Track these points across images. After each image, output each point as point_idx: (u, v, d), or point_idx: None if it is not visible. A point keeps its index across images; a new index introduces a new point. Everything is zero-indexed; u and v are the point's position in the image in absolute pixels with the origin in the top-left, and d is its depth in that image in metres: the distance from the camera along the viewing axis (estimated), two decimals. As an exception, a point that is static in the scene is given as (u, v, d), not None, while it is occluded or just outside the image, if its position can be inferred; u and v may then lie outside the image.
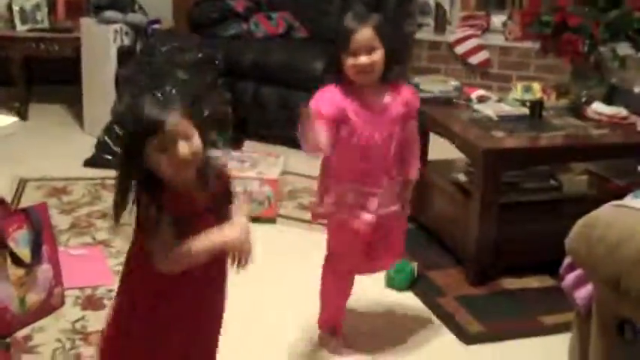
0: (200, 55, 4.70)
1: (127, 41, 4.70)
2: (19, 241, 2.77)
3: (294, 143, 4.55)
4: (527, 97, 3.54)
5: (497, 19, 5.79)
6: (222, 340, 2.10)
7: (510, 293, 3.20)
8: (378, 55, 2.39)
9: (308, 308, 2.82)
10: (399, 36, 2.50)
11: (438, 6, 5.86)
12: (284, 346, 2.76)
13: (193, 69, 4.55)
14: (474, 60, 5.66)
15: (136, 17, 4.82)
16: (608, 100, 3.50)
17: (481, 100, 3.57)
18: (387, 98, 2.48)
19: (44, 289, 2.86)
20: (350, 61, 2.39)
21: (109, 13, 4.74)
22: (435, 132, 3.51)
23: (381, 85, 2.47)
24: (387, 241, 2.63)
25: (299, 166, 4.25)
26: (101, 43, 4.71)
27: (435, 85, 3.76)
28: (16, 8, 5.11)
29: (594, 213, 2.11)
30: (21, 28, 5.14)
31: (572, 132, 3.30)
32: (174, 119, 1.79)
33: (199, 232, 1.85)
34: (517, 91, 3.59)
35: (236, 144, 4.61)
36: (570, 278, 2.22)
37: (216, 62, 4.69)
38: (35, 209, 2.90)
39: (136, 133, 1.82)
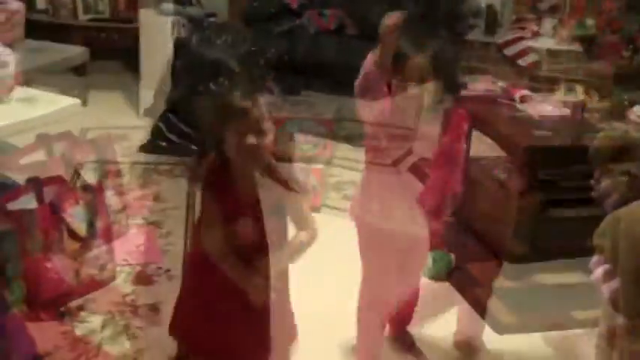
0: (253, 49, 4.84)
1: (183, 33, 4.86)
2: (76, 216, 2.92)
3: (339, 136, 4.71)
4: (570, 98, 3.60)
5: (548, 23, 5.82)
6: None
7: (545, 287, 3.27)
8: (429, 87, 2.32)
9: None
10: (454, 65, 2.44)
11: (490, 8, 5.92)
12: (324, 335, 2.81)
13: (246, 62, 4.69)
14: (523, 62, 5.70)
15: (193, 10, 4.98)
16: (650, 104, 3.55)
17: (524, 100, 3.64)
18: (432, 124, 2.41)
19: (97, 264, 3.01)
20: (400, 87, 2.34)
21: (168, 5, 4.91)
22: (478, 129, 3.59)
23: (429, 112, 2.39)
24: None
25: (346, 159, 4.37)
26: (159, 34, 4.87)
27: (482, 85, 3.84)
28: (79, -2, 5.32)
29: (621, 210, 2.19)
30: (83, 17, 5.33)
31: (612, 133, 3.35)
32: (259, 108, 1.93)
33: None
34: (560, 93, 3.65)
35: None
36: (599, 272, 2.28)
37: (269, 56, 4.82)
38: (92, 188, 3.06)
39: (221, 118, 1.93)
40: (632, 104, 3.52)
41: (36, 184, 2.96)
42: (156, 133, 4.61)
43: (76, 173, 2.88)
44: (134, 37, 5.14)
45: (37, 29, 5.20)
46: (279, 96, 2.08)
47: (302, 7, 5.55)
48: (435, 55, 2.32)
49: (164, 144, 4.52)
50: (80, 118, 4.15)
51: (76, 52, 5.05)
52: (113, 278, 3.10)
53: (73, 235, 2.89)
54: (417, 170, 2.44)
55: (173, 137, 4.51)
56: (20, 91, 2.60)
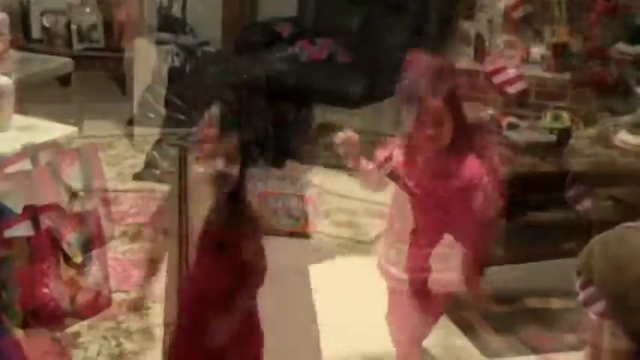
0: (245, 77, 4.92)
1: (177, 62, 4.94)
2: (72, 243, 2.96)
3: (332, 164, 4.77)
4: (556, 125, 3.66)
5: (536, 51, 5.91)
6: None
7: (532, 312, 3.33)
8: (447, 128, 2.32)
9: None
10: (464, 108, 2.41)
11: (478, 36, 6.01)
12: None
13: (239, 90, 4.76)
14: (512, 90, 5.78)
15: (187, 39, 5.06)
16: (634, 130, 3.62)
17: (511, 126, 3.71)
18: (446, 168, 2.37)
19: (93, 290, 3.05)
20: (416, 128, 2.33)
21: (162, 35, 5.00)
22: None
23: (445, 154, 2.36)
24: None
25: (336, 186, 4.44)
26: (153, 63, 4.95)
27: (471, 112, 3.91)
28: (73, 27, 5.37)
29: (607, 233, 2.23)
30: (77, 47, 5.40)
31: (598, 159, 3.43)
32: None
33: None
34: (547, 120, 3.72)
35: (277, 163, 4.80)
36: (585, 294, 2.34)
37: (261, 84, 4.90)
38: (88, 215, 3.11)
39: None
40: (617, 131, 3.60)
41: (32, 211, 3.01)
42: (150, 162, 4.67)
43: (73, 198, 2.92)
44: (128, 66, 5.21)
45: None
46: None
47: (294, 35, 5.64)
48: (452, 95, 2.31)
49: (158, 172, 4.58)
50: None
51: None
52: (109, 304, 3.13)
53: (69, 261, 2.93)
54: (395, 177, 2.41)
55: (167, 165, 4.57)
56: (19, 119, 2.66)
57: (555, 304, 3.38)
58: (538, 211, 3.47)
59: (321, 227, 4.11)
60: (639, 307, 2.03)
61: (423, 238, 2.40)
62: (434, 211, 2.38)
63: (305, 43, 5.55)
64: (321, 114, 5.06)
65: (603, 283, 2.17)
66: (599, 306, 2.26)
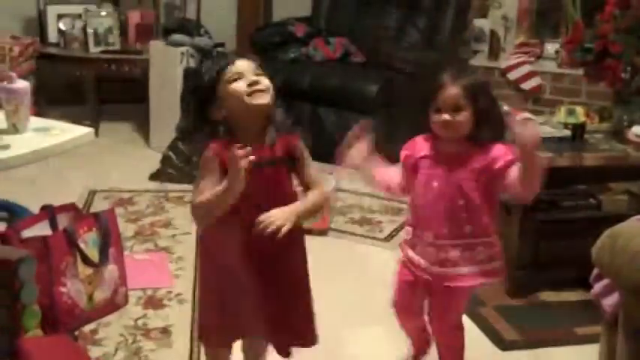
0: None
1: (192, 63, 4.97)
2: (89, 243, 3.00)
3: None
4: (571, 120, 3.66)
5: (551, 47, 5.92)
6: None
7: (547, 305, 3.34)
8: (464, 116, 2.33)
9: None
10: (491, 97, 2.44)
11: (493, 33, 6.03)
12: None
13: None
14: (526, 86, 5.80)
15: (202, 41, 5.08)
16: (648, 125, 3.61)
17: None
18: (468, 156, 2.39)
19: (110, 288, 3.08)
20: (434, 117, 2.37)
21: (177, 37, 5.02)
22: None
23: (466, 143, 2.38)
24: (432, 304, 2.58)
25: (351, 184, 4.46)
26: (168, 65, 4.99)
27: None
28: (90, 31, 5.42)
29: (619, 225, 2.24)
30: (94, 50, 5.45)
31: (612, 153, 3.43)
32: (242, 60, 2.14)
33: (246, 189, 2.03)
34: (561, 115, 3.72)
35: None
36: (599, 287, 2.34)
37: (276, 83, 4.93)
38: (104, 215, 3.15)
39: (209, 76, 2.13)
40: (631, 125, 3.59)
41: (50, 211, 3.06)
42: (165, 162, 4.70)
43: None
44: (144, 68, 5.25)
45: (49, 61, 5.35)
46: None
47: (308, 35, 5.66)
48: (471, 85, 2.35)
49: (173, 172, 4.62)
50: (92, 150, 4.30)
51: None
52: (126, 302, 3.17)
53: (86, 260, 2.97)
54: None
55: (182, 165, 4.60)
56: (36, 121, 2.70)
57: (570, 296, 3.38)
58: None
59: (336, 224, 4.13)
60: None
61: (446, 227, 2.42)
62: (455, 199, 2.40)
63: (319, 43, 5.58)
64: (336, 113, 5.08)
65: (616, 275, 2.19)
66: (612, 298, 2.28)
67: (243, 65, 2.13)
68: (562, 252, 3.38)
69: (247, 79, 2.10)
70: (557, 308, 3.32)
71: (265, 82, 2.13)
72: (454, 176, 2.39)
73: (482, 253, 2.45)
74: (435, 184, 2.41)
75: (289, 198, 2.19)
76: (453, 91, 2.33)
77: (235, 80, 2.10)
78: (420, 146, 2.47)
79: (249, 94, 2.09)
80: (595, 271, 2.34)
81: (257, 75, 2.13)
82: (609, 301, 2.30)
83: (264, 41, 5.59)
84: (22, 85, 2.60)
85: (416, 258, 2.49)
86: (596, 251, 2.25)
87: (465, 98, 2.33)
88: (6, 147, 2.43)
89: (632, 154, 3.45)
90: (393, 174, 2.51)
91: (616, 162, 3.42)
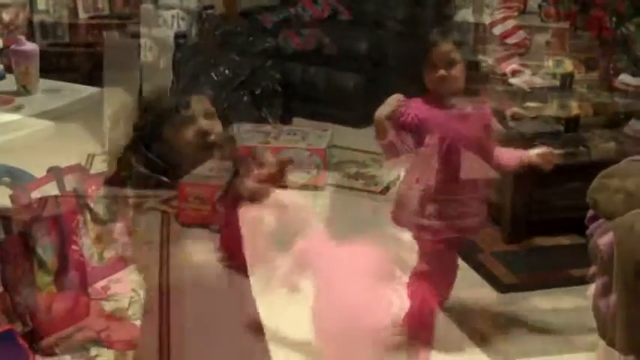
0: (251, 39, 5.00)
1: (183, 26, 5.00)
2: (97, 201, 3.08)
3: (339, 119, 4.86)
4: (559, 70, 3.75)
5: (533, 1, 5.96)
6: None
7: (542, 249, 3.44)
8: (458, 70, 2.45)
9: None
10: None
11: (477, -12, 6.05)
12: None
13: (245, 51, 4.86)
14: (512, 40, 5.85)
15: (191, 3, 5.11)
16: (634, 72, 3.70)
17: (515, 73, 3.80)
18: (465, 109, 2.50)
19: (120, 245, 3.16)
20: (430, 74, 2.45)
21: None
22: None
23: (463, 100, 2.50)
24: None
25: (345, 140, 4.55)
26: (159, 28, 5.01)
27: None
28: (78, -5, 5.44)
29: (613, 167, 2.33)
30: (83, 16, 5.46)
31: (599, 100, 3.52)
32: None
33: None
34: (549, 66, 3.81)
35: (285, 120, 4.90)
36: (594, 227, 2.41)
37: (266, 44, 4.99)
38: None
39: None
40: (617, 73, 3.68)
41: (57, 172, 3.09)
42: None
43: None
44: (134, 33, 5.27)
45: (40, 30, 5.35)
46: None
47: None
48: (460, 40, 2.48)
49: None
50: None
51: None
52: (134, 259, 3.24)
53: (95, 219, 3.04)
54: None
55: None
56: (45, 83, 2.75)
57: (564, 241, 3.48)
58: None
59: (332, 180, 4.22)
60: (645, 236, 2.10)
61: (451, 186, 2.50)
62: (458, 158, 2.48)
63: (307, 3, 5.61)
64: (326, 71, 5.13)
65: (611, 215, 2.26)
66: (607, 237, 2.36)
67: None
68: (555, 197, 3.47)
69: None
70: (553, 252, 3.42)
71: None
72: (456, 133, 2.47)
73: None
74: (441, 142, 2.47)
75: None
76: (445, 47, 2.43)
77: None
78: (420, 106, 2.50)
79: None
80: (590, 212, 2.41)
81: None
82: (604, 240, 2.36)
83: (251, 4, 5.62)
84: (31, 47, 2.65)
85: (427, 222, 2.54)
86: (591, 192, 2.33)
87: (457, 52, 2.44)
88: (20, 107, 2.49)
89: (619, 100, 3.55)
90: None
91: (604, 109, 3.51)
